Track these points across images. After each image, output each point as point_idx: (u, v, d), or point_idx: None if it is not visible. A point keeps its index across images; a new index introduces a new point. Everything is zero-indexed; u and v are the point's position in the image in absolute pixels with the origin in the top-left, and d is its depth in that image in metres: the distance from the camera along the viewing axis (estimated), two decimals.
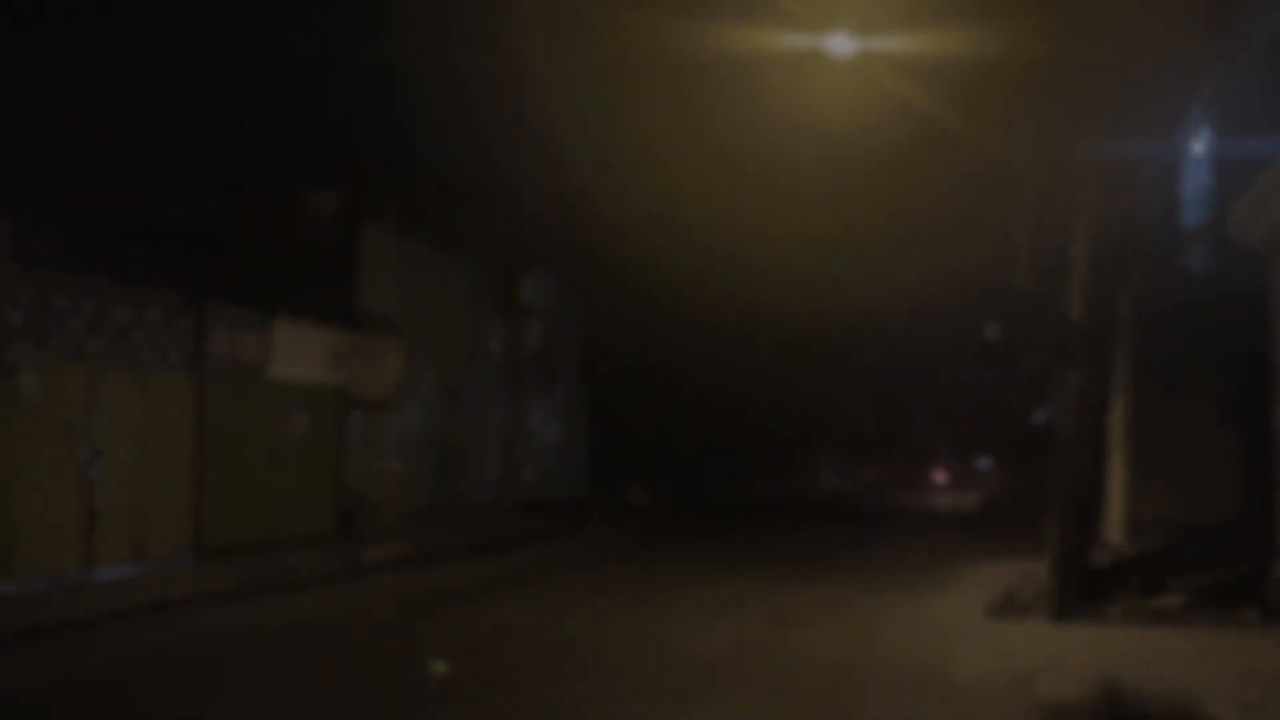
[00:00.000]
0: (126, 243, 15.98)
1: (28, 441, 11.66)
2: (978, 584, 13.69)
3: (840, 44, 11.59)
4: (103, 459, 12.61)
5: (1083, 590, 11.19)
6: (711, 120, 22.11)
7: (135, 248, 15.35)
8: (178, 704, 7.48)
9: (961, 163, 16.21)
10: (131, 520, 12.99)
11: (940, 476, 52.52)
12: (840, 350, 43.62)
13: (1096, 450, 13.59)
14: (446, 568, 15.48)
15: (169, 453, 13.73)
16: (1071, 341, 11.28)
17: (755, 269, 30.28)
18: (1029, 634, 10.22)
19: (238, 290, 15.11)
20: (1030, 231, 12.54)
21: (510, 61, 21.10)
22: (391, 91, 19.89)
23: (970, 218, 22.91)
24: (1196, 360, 15.51)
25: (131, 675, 8.37)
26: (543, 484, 26.16)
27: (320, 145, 20.02)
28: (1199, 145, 16.14)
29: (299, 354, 16.45)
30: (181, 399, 14.03)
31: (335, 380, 17.48)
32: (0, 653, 8.96)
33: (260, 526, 15.30)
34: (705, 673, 8.42)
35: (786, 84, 14.15)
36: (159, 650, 9.28)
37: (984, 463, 50.02)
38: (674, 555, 17.97)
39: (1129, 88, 11.33)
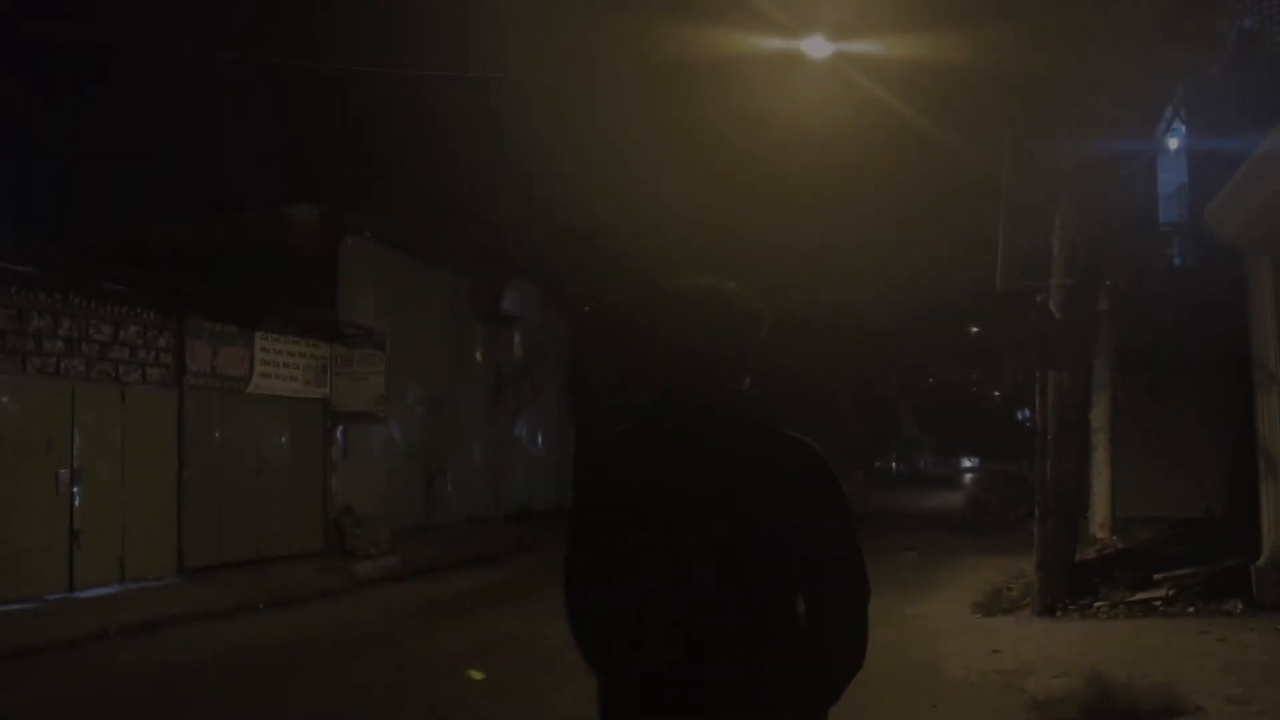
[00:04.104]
0: (109, 262, 15.89)
1: (6, 460, 11.58)
2: (966, 582, 13.73)
3: (817, 46, 11.66)
4: (82, 477, 12.53)
5: (1070, 586, 11.25)
6: (694, 125, 22.16)
7: (116, 266, 15.27)
8: None
9: (941, 164, 16.29)
10: (114, 539, 12.90)
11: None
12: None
13: (1080, 448, 13.65)
14: (437, 581, 15.44)
15: (151, 470, 13.65)
16: (1053, 340, 11.33)
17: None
18: (1017, 630, 10.25)
19: (218, 305, 15.04)
20: (1009, 232, 12.57)
21: (490, 71, 21.10)
22: (371, 105, 19.88)
23: (952, 218, 23.03)
24: (1177, 356, 15.62)
25: (120, 695, 8.30)
26: (530, 495, 26.08)
27: (301, 160, 19.99)
28: (1173, 141, 16.26)
29: (282, 368, 16.39)
30: (162, 415, 13.95)
31: (319, 393, 17.42)
32: None
33: (247, 543, 15.20)
34: None
35: (768, 88, 14.21)
36: (148, 669, 9.21)
37: (969, 461, 50.22)
38: None
39: (1103, 88, 11.40)
